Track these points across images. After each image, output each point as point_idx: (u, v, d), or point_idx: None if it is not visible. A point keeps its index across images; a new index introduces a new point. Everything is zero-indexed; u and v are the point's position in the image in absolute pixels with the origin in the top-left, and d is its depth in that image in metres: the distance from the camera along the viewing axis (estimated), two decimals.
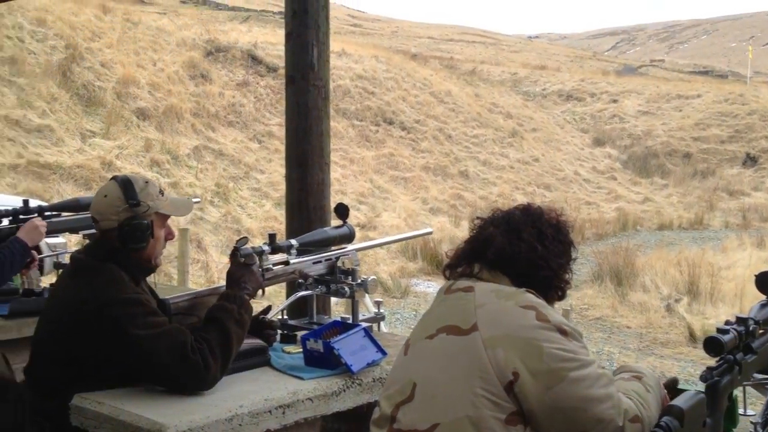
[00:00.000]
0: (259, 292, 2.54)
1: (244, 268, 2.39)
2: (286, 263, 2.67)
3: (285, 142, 3.99)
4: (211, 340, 2.13)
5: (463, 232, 15.12)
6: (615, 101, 31.23)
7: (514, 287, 1.81)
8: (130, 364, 2.10)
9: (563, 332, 1.69)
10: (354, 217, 14.92)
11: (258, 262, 2.47)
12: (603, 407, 1.64)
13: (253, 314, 2.64)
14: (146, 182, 2.36)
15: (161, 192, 2.38)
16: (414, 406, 1.72)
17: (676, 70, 56.86)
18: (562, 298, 1.93)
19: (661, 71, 53.28)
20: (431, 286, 11.00)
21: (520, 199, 19.65)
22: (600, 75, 37.09)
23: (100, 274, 2.20)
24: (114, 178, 2.37)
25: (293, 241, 2.74)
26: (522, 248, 1.85)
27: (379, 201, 17.24)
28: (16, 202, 3.70)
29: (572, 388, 1.63)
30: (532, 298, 1.76)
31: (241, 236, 2.70)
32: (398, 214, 16.38)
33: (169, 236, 2.44)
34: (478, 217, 2.01)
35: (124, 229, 2.26)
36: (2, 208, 3.52)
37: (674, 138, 28.23)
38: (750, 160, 26.92)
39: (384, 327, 6.44)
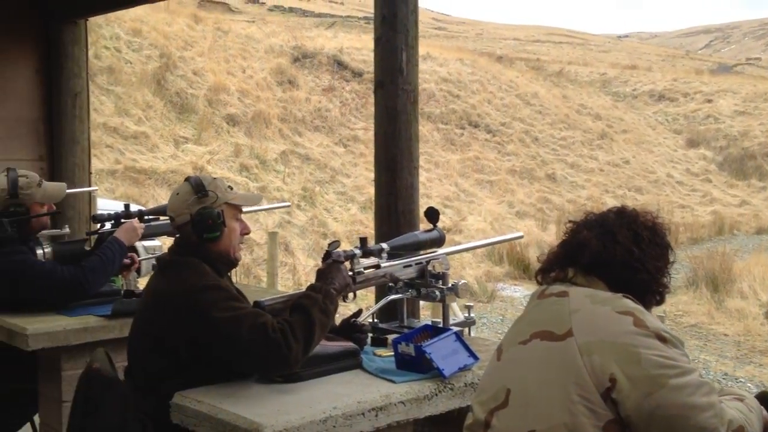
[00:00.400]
0: (350, 295, 2.57)
1: (332, 265, 2.46)
2: (377, 267, 2.68)
3: (374, 147, 4.00)
4: (294, 322, 2.19)
5: (550, 236, 14.88)
6: (709, 101, 30.15)
7: (610, 292, 1.77)
8: (215, 349, 2.17)
9: (662, 339, 1.65)
10: (439, 221, 14.85)
11: (345, 263, 2.51)
12: (705, 416, 1.60)
13: (344, 317, 2.67)
14: (215, 178, 2.51)
15: (230, 187, 2.51)
16: (509, 413, 1.71)
17: None
18: (660, 302, 1.88)
19: (758, 69, 51.17)
20: (518, 291, 10.87)
21: (610, 203, 19.25)
22: (693, 74, 35.89)
23: (184, 267, 2.33)
24: (186, 179, 2.51)
25: (384, 245, 2.74)
26: (618, 251, 1.80)
27: (465, 205, 17.16)
28: (118, 206, 3.86)
29: (673, 396, 1.59)
30: (629, 303, 1.72)
31: (333, 240, 2.73)
32: (484, 217, 16.26)
33: (244, 230, 2.54)
34: (570, 221, 1.97)
35: (196, 219, 2.38)
36: (105, 212, 3.68)
37: None
38: None
39: (471, 332, 6.40)
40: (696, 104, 30.02)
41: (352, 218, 13.96)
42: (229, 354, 2.17)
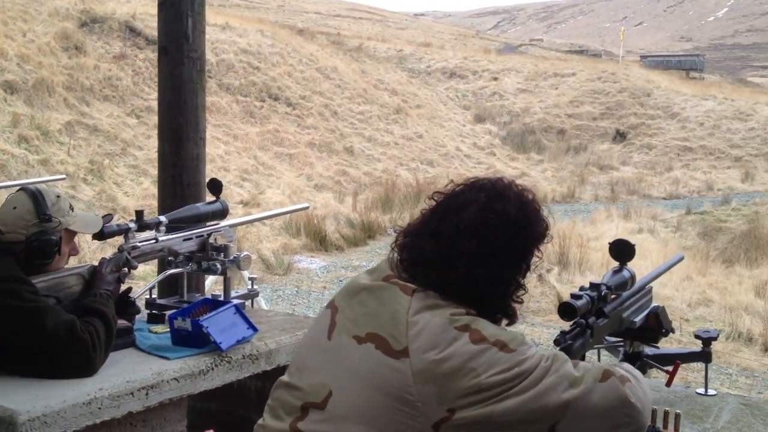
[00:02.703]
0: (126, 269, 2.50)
1: (111, 275, 2.41)
2: (155, 240, 2.60)
3: (158, 116, 3.86)
4: (98, 328, 2.13)
5: (347, 208, 15.14)
6: (495, 79, 31.95)
7: (448, 302, 1.54)
8: (19, 340, 2.03)
9: (502, 345, 1.47)
10: (237, 194, 14.65)
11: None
12: (556, 395, 1.46)
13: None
14: (58, 197, 2.31)
15: (71, 207, 2.34)
16: (324, 417, 1.53)
17: (553, 49, 58.78)
18: (511, 322, 1.65)
19: (540, 50, 54.92)
20: (314, 263, 10.97)
21: (403, 175, 19.99)
22: (482, 53, 37.81)
23: None
24: (23, 189, 2.28)
25: (162, 218, 2.67)
26: (459, 272, 1.56)
27: (263, 178, 17.02)
28: None
29: (512, 404, 1.45)
30: (465, 318, 1.52)
31: (106, 213, 2.61)
32: (282, 190, 16.22)
33: (73, 252, 2.41)
34: (437, 192, 1.67)
35: (33, 245, 2.21)
36: None
37: (550, 115, 29.22)
38: (619, 136, 28.25)
39: (265, 304, 6.35)
40: (483, 81, 31.71)
41: (144, 192, 13.37)
42: (33, 347, 2.02)
